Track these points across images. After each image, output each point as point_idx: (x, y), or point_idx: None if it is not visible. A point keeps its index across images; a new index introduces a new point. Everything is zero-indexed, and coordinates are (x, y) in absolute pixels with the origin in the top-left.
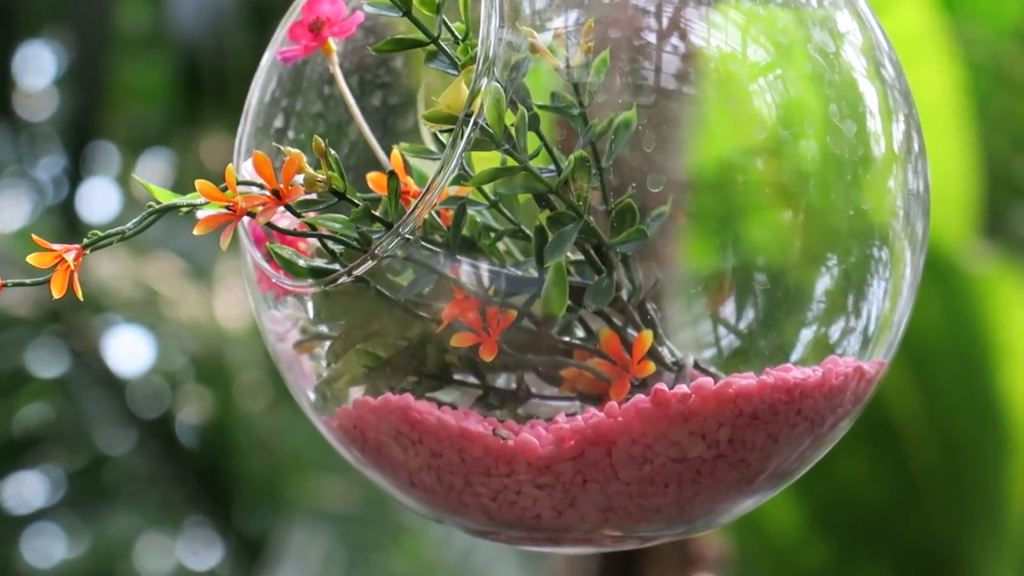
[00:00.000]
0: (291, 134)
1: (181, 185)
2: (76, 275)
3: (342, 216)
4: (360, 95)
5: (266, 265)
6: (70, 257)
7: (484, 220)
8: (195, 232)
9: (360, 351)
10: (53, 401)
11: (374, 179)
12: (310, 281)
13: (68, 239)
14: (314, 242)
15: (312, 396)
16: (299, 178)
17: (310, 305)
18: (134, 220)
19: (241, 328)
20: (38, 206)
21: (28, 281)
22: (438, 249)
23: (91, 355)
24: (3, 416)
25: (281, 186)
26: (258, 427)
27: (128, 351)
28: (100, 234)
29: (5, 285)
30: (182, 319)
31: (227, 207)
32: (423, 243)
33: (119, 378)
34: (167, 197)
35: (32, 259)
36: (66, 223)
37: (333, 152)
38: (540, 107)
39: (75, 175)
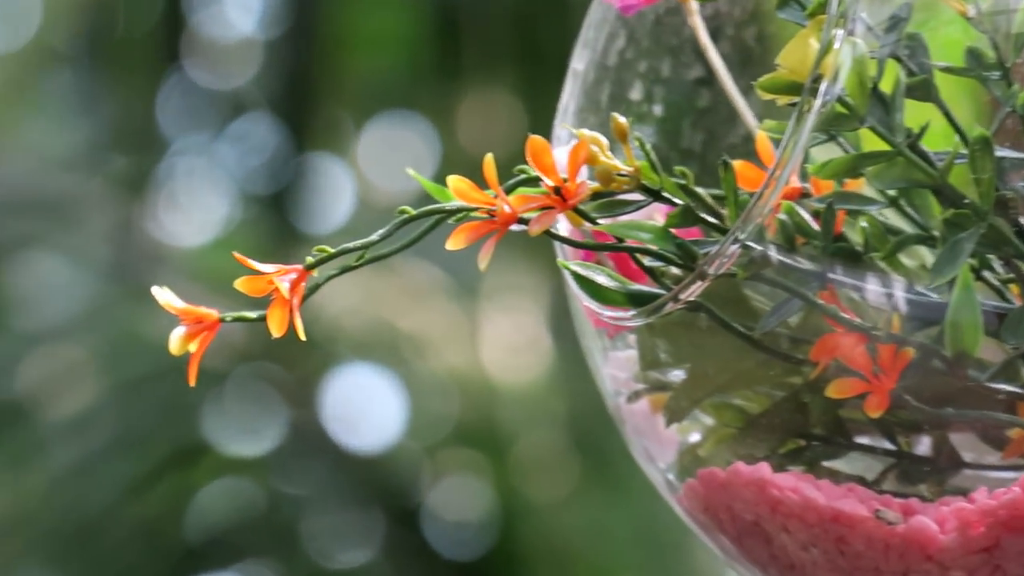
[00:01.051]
0: (631, 110)
1: (445, 170)
2: (298, 307)
3: (651, 223)
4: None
5: (575, 287)
6: (284, 285)
7: (884, 222)
8: (448, 246)
9: (720, 406)
10: (250, 479)
11: (742, 169)
12: (631, 311)
13: (278, 251)
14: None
15: (664, 468)
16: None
17: (636, 343)
18: (381, 231)
19: (522, 378)
20: (235, 202)
21: (252, 315)
22: (805, 264)
23: (305, 415)
24: (178, 500)
25: (566, 182)
26: (552, 525)
27: (359, 411)
28: (328, 250)
29: (222, 320)
30: (438, 366)
31: (489, 213)
32: (779, 256)
33: (344, 450)
34: (445, 197)
35: (241, 285)
36: (276, 227)
37: (640, 136)
38: (943, 69)
39: (289, 159)
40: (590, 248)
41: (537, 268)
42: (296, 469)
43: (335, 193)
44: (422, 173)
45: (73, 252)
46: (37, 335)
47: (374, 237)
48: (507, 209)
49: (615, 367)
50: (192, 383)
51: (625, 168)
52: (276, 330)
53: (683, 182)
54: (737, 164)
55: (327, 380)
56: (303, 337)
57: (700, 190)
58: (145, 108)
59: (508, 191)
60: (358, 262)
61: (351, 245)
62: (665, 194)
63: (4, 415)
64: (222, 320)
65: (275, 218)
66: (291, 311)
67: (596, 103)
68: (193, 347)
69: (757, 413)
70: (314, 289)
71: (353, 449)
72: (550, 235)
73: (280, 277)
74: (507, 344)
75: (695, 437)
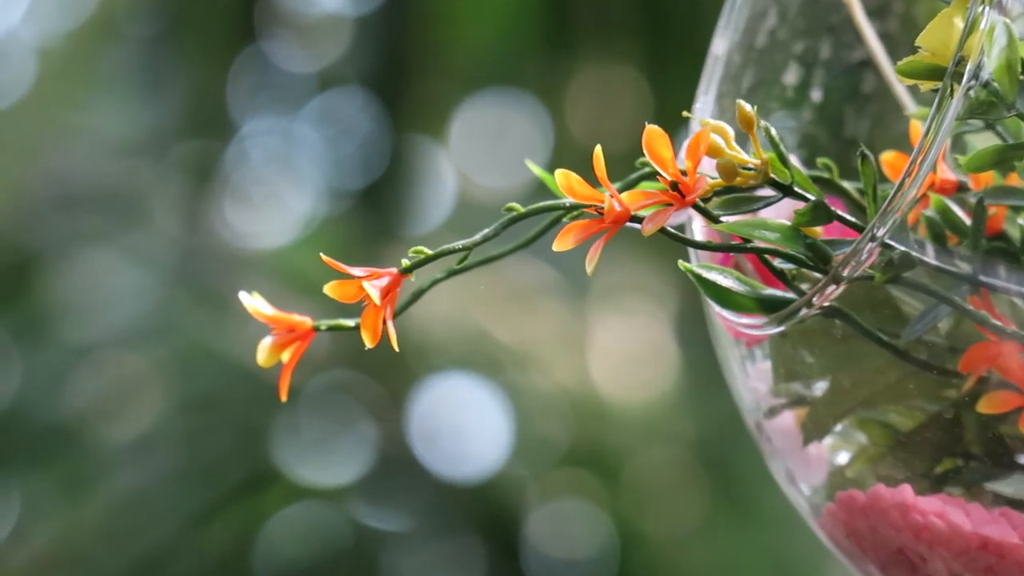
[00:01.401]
0: (783, 95)
1: (558, 158)
2: (391, 315)
3: (777, 221)
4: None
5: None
6: (375, 292)
7: None
8: (555, 247)
9: (867, 422)
10: (330, 508)
11: (890, 162)
12: (763, 318)
13: (370, 251)
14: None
15: (809, 492)
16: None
17: (765, 353)
18: (487, 230)
19: (641, 393)
20: (319, 195)
21: (349, 323)
22: (953, 265)
23: (393, 435)
24: (248, 531)
25: (684, 176)
26: (674, 559)
27: (454, 431)
28: (426, 251)
29: (316, 329)
30: (545, 379)
31: (598, 211)
32: (923, 257)
33: (439, 475)
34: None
35: (331, 290)
36: (366, 224)
37: (768, 125)
38: None
39: (381, 145)
40: (709, 248)
41: (664, 268)
42: (383, 496)
43: (433, 185)
44: (532, 160)
45: (135, 252)
46: (93, 346)
47: (478, 237)
48: (617, 207)
49: (756, 379)
50: (283, 397)
51: (752, 160)
52: (369, 340)
53: (826, 175)
54: (889, 156)
55: (418, 396)
56: (396, 348)
57: (847, 184)
58: (217, 89)
59: (630, 186)
60: (461, 265)
61: (453, 246)
62: (797, 189)
63: (56, 436)
64: (316, 329)
65: (365, 213)
66: (383, 319)
67: (740, 89)
68: (286, 357)
69: (907, 430)
70: (417, 296)
71: (448, 474)
72: (667, 235)
73: (372, 282)
74: (626, 354)
75: (844, 457)
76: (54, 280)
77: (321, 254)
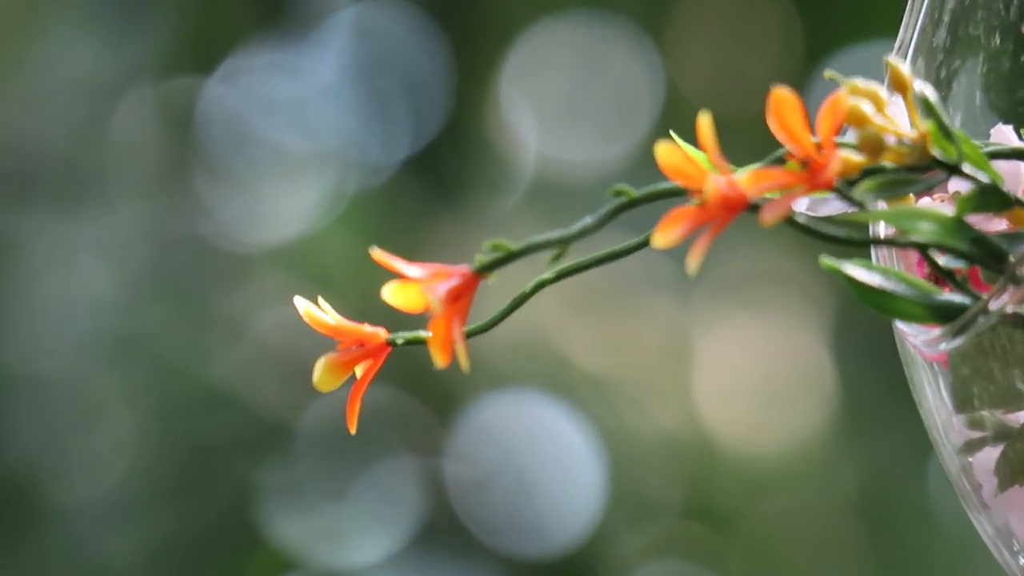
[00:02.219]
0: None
1: (669, 114)
2: (461, 327)
3: (934, 210)
4: None
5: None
6: (436, 296)
7: None
8: (654, 243)
9: None
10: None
11: None
12: (935, 329)
13: (411, 242)
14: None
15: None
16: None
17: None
18: (588, 219)
19: (775, 435)
20: (345, 167)
21: (421, 334)
22: None
23: (436, 491)
24: None
25: (816, 152)
26: None
27: (521, 488)
28: (508, 245)
29: (392, 344)
30: (643, 415)
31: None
32: None
33: (501, 551)
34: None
35: (393, 294)
36: (409, 203)
37: (931, 95)
38: None
39: (434, 94)
40: (847, 243)
41: (815, 257)
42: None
43: (503, 150)
44: (635, 115)
45: (95, 246)
46: (40, 375)
47: (576, 228)
48: (726, 190)
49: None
50: (352, 429)
51: (907, 134)
52: (440, 358)
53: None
54: None
55: (471, 437)
56: (466, 367)
57: None
58: (203, 19)
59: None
60: (556, 270)
61: (546, 238)
62: (966, 169)
63: None
64: (392, 344)
65: (407, 189)
66: (451, 333)
67: (963, 30)
68: (359, 372)
69: None
70: (519, 303)
71: (515, 550)
72: (794, 226)
73: (436, 285)
74: (758, 375)
75: None
76: None
77: (373, 249)
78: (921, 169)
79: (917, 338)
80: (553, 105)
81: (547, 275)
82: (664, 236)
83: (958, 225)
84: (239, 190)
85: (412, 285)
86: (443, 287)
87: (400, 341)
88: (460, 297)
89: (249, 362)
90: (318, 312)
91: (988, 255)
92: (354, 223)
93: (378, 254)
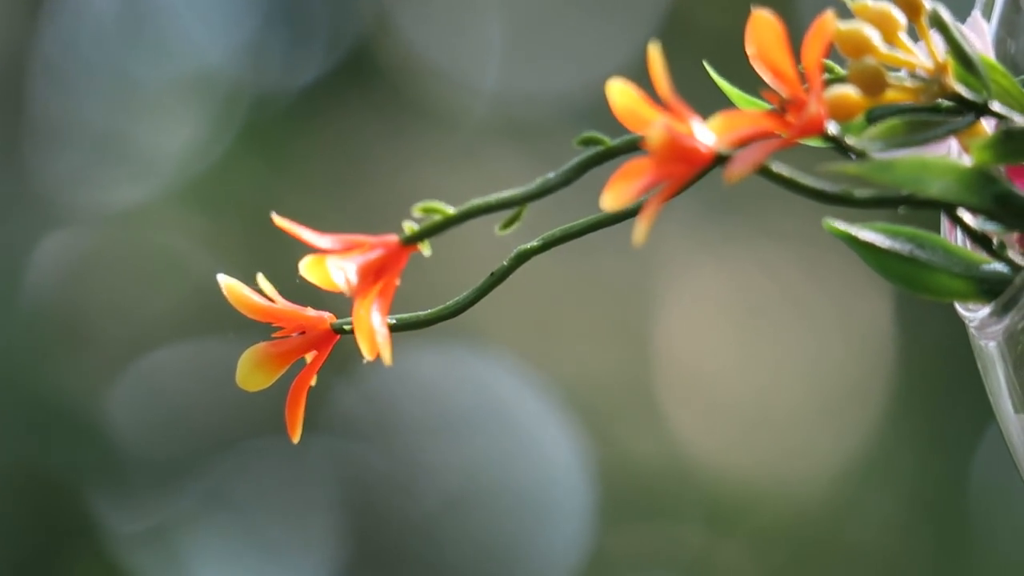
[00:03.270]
0: None
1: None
2: (385, 310)
3: (949, 160)
4: None
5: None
6: (347, 274)
7: None
8: (603, 204)
9: None
10: None
11: None
12: (983, 307)
13: (307, 202)
14: None
15: None
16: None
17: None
18: (553, 174)
19: (805, 466)
20: (217, 96)
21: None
22: None
23: (375, 524)
24: None
25: (800, 89)
26: None
27: (489, 515)
28: (443, 209)
29: (339, 331)
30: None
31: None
32: None
33: None
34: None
35: (309, 271)
36: (305, 150)
37: (945, 14)
38: None
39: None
40: (850, 204)
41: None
42: None
43: (450, 71)
44: (627, 29)
45: None
46: None
47: (534, 186)
48: (684, 140)
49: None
50: (295, 438)
51: (921, 65)
52: (367, 349)
53: None
54: None
55: (420, 458)
56: (389, 361)
57: None
58: None
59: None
60: (542, 237)
61: (499, 197)
62: (996, 108)
63: None
64: (338, 331)
65: (306, 128)
66: (371, 325)
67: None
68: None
69: None
70: (495, 281)
71: None
72: (772, 179)
73: (349, 258)
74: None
75: None
76: None
77: (274, 215)
78: (943, 111)
79: (971, 321)
80: (523, 11)
81: (532, 244)
82: (614, 196)
83: (978, 178)
84: (80, 139)
85: (319, 253)
86: (357, 262)
87: (348, 328)
88: (382, 274)
89: (98, 366)
90: (245, 291)
91: (1016, 214)
92: (230, 177)
93: (281, 219)
